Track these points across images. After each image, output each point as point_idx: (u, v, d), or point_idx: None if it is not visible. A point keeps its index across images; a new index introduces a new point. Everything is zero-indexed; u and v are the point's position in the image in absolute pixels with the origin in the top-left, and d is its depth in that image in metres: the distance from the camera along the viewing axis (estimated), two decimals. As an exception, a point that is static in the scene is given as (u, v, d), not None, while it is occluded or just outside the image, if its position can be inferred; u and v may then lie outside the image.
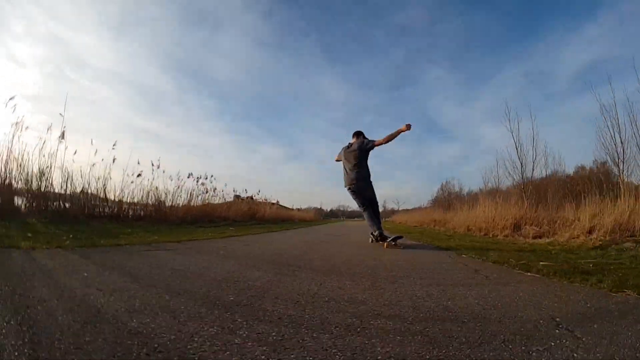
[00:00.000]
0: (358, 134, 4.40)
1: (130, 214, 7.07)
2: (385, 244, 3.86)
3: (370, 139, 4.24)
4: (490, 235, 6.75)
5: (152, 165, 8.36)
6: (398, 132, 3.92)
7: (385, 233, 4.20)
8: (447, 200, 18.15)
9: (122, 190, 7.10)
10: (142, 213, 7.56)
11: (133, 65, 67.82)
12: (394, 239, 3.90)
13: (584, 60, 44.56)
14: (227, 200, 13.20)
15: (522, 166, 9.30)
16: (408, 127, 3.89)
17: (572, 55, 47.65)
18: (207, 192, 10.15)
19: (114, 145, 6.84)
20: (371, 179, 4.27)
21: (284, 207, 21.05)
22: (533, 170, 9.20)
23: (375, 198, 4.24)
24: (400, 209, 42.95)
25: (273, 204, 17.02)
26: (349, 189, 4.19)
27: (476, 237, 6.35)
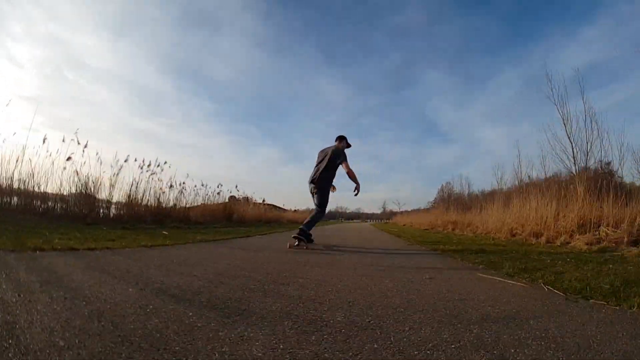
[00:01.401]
0: (341, 139, 4.24)
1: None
2: (289, 243, 3.77)
3: (345, 157, 4.04)
4: (558, 243, 4.49)
5: (78, 143, 6.08)
6: (356, 184, 4.00)
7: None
8: (461, 199, 15.82)
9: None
10: (50, 206, 5.28)
11: (132, 66, 65.53)
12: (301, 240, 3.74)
13: (583, 62, 42.89)
14: (219, 199, 10.87)
15: (573, 150, 7.07)
16: (357, 192, 4.09)
17: (570, 56, 45.90)
18: (171, 186, 7.76)
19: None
20: (329, 188, 4.16)
21: (276, 207, 18.70)
22: (588, 154, 6.97)
23: (324, 204, 4.09)
24: (401, 210, 40.50)
25: (258, 203, 14.72)
26: (311, 185, 4.10)
27: (542, 248, 4.09)
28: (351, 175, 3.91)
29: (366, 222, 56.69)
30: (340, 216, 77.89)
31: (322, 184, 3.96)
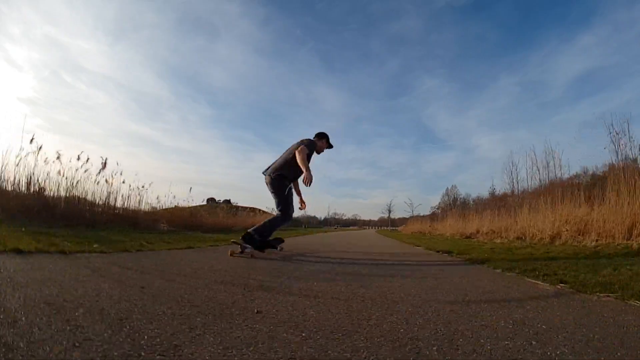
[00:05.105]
0: (320, 136, 3.59)
1: None
2: (229, 250, 3.03)
3: (308, 145, 3.30)
4: None
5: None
6: (303, 169, 3.15)
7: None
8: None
9: None
10: None
11: (130, 70, 62.57)
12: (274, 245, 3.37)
13: (579, 69, 42.27)
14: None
15: None
16: (307, 183, 3.15)
17: (566, 64, 45.23)
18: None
19: None
20: (285, 184, 3.33)
21: (235, 206, 15.10)
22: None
23: (284, 206, 3.30)
24: (414, 214, 36.89)
25: (241, 207, 11.62)
26: (266, 177, 3.45)
27: None
28: (299, 160, 3.11)
29: (364, 229, 53.35)
30: (337, 223, 74.64)
31: (275, 176, 3.27)
